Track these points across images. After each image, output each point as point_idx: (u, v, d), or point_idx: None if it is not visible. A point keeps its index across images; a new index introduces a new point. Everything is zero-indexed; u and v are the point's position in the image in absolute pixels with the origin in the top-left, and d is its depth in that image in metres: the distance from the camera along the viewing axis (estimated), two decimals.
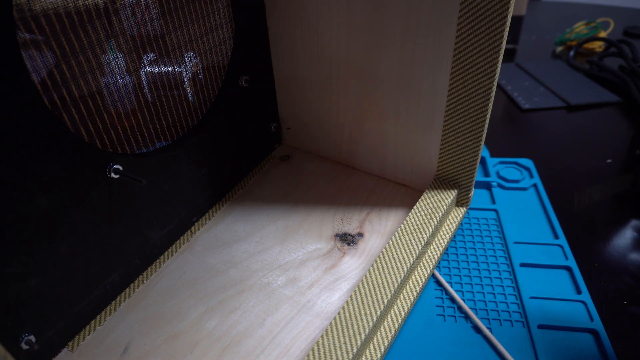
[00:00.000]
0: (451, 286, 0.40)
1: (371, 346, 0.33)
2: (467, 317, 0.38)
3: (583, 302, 0.39)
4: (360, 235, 0.42)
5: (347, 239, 0.41)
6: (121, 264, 0.36)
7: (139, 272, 0.39)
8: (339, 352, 0.30)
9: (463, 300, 0.39)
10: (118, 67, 0.32)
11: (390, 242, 0.38)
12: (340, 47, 0.42)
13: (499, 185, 0.52)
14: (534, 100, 0.70)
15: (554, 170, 0.55)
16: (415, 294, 0.37)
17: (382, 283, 0.35)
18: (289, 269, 0.39)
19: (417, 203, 0.41)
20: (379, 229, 0.42)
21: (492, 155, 0.57)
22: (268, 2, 0.43)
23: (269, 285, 0.38)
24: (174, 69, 0.37)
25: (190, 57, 0.38)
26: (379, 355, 0.33)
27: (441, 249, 0.41)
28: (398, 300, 0.36)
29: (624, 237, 0.46)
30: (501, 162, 0.55)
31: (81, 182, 0.31)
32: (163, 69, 0.36)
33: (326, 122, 0.48)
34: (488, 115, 0.38)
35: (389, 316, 0.35)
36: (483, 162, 0.55)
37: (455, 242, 0.45)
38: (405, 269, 0.36)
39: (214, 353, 0.33)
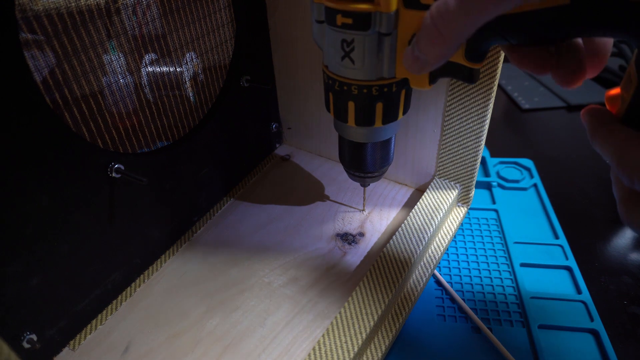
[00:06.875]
0: (451, 286, 0.40)
1: (371, 346, 0.33)
2: (467, 317, 0.38)
3: (583, 302, 0.39)
4: (361, 235, 0.42)
5: (348, 239, 0.41)
6: (122, 263, 0.36)
7: (140, 271, 0.39)
8: (339, 352, 0.30)
9: (463, 300, 0.39)
10: (119, 67, 0.32)
11: (391, 242, 0.38)
12: None
13: (499, 185, 0.52)
14: (534, 100, 0.70)
15: (554, 170, 0.55)
16: (415, 294, 0.37)
17: (383, 283, 0.35)
18: (290, 269, 0.39)
19: (418, 203, 0.42)
20: (380, 229, 0.42)
21: (492, 155, 0.57)
22: (269, 3, 0.43)
23: (270, 285, 0.38)
24: (175, 69, 0.37)
25: (191, 57, 0.38)
26: (379, 355, 0.33)
27: (442, 249, 0.41)
28: (398, 300, 0.36)
29: (624, 237, 0.46)
30: (501, 162, 0.55)
31: (82, 181, 0.31)
32: (164, 69, 0.37)
33: (326, 122, 0.48)
34: (488, 115, 0.38)
35: (389, 316, 0.35)
36: (483, 162, 0.55)
37: (456, 242, 0.45)
38: (406, 269, 0.36)
39: (215, 352, 0.33)
